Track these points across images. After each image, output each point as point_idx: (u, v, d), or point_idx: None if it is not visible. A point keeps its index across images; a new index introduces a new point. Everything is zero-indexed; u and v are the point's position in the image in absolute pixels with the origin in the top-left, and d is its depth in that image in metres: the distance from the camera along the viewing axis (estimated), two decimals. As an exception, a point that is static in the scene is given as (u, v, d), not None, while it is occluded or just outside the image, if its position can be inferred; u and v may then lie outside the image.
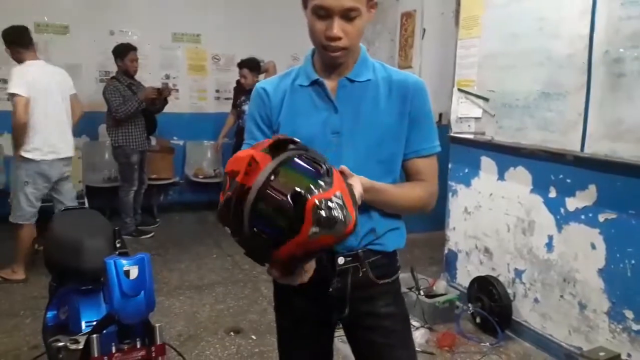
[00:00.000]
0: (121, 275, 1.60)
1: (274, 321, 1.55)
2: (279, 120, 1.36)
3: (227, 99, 5.86)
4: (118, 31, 5.55)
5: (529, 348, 2.99)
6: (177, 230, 5.26)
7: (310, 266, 1.20)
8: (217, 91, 6.08)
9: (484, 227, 3.33)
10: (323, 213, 0.97)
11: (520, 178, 3.06)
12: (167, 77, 5.70)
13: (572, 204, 2.75)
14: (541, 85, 2.83)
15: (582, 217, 2.70)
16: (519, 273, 3.10)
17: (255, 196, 1.00)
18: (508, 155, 3.12)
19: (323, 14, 1.21)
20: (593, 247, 2.64)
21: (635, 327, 2.46)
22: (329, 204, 0.98)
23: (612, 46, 2.45)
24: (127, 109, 4.57)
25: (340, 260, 1.34)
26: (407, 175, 1.42)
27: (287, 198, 0.98)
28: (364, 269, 1.37)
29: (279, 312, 1.53)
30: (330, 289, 1.33)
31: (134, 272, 1.61)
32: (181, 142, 5.95)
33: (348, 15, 1.21)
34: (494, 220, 3.25)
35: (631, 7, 2.35)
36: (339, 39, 1.23)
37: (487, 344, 3.03)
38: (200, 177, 5.79)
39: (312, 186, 0.99)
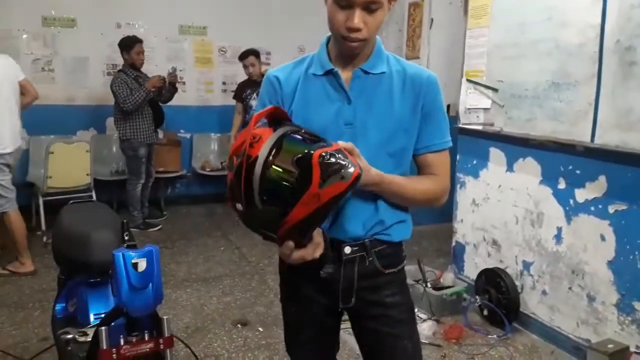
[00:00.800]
0: (129, 268, 1.59)
1: (281, 313, 1.55)
2: (291, 109, 1.35)
3: (233, 91, 5.85)
4: (125, 24, 5.55)
5: (537, 340, 2.98)
6: (184, 223, 5.28)
7: (320, 240, 1.20)
8: (224, 83, 6.07)
9: (492, 219, 3.31)
10: (329, 160, 1.03)
11: (529, 169, 3.03)
12: (174, 69, 5.67)
13: (582, 195, 2.72)
14: (551, 75, 2.80)
15: (592, 208, 2.67)
16: (527, 265, 3.08)
17: (263, 164, 1.05)
18: (517, 146, 3.09)
19: (345, 4, 1.20)
20: (602, 238, 2.62)
21: (645, 319, 2.44)
22: (333, 153, 1.04)
23: (623, 35, 2.42)
24: (135, 99, 4.57)
25: (347, 249, 1.34)
26: (419, 169, 1.42)
27: (292, 162, 1.05)
28: (370, 258, 1.37)
29: (286, 303, 1.53)
30: (322, 272, 1.33)
31: (142, 265, 1.61)
32: (188, 135, 5.96)
33: (369, 7, 1.20)
34: (502, 212, 3.22)
35: (643, -5, 2.32)
36: (359, 30, 1.22)
37: (495, 336, 3.02)
38: (207, 169, 5.80)
39: (313, 147, 1.06)
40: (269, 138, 1.08)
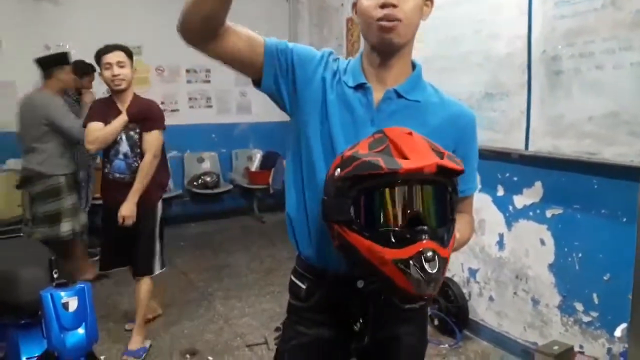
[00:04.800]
0: (59, 308, 1.50)
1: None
2: (300, 90, 1.23)
3: (173, 110, 5.72)
4: (54, 45, 5.31)
5: (487, 346, 3.02)
6: (127, 250, 5.06)
7: None
8: (162, 103, 5.89)
9: (437, 228, 3.35)
10: (425, 263, 0.92)
11: (469, 178, 3.09)
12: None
13: (520, 201, 2.80)
14: (484, 86, 2.88)
15: (530, 213, 2.75)
16: (473, 272, 3.13)
17: (391, 182, 0.96)
18: (456, 156, 3.15)
19: None
20: (542, 242, 2.70)
21: (585, 319, 2.52)
22: (437, 261, 0.93)
23: (549, 45, 2.52)
24: None
25: (360, 283, 1.21)
26: None
27: (408, 211, 0.96)
28: None
29: (288, 338, 1.36)
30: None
31: (73, 304, 1.52)
32: (127, 158, 5.75)
33: None
34: (446, 221, 3.27)
35: (564, 6, 2.42)
36: (394, 5, 1.11)
37: (447, 345, 3.04)
38: (150, 192, 5.61)
39: (437, 231, 0.97)
40: (422, 172, 0.96)
